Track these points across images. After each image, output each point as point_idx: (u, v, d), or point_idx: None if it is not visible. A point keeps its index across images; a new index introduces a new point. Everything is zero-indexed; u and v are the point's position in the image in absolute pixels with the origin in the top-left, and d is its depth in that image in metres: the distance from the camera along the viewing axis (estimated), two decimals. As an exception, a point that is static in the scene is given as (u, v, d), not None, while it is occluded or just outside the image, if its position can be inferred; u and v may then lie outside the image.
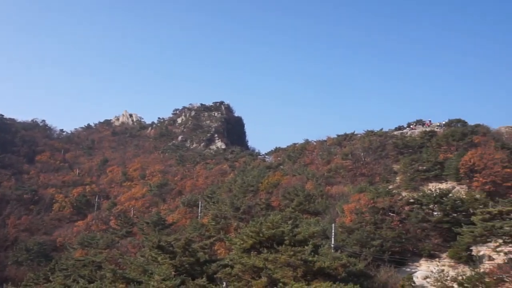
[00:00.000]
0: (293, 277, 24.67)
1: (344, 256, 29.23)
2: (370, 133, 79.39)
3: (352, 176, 62.53)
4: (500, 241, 30.99)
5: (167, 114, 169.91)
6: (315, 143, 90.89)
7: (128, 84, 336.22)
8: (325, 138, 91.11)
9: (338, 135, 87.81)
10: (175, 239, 32.45)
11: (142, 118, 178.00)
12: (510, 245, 30.65)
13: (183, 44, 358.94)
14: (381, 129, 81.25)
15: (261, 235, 27.78)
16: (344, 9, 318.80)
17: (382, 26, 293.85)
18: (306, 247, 26.32)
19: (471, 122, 72.28)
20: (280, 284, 22.44)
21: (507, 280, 28.52)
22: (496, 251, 31.50)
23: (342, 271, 27.39)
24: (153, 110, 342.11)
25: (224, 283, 27.10)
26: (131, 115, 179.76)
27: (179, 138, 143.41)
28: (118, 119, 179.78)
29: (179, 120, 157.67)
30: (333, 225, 37.69)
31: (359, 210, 40.64)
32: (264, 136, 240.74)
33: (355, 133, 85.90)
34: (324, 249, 31.01)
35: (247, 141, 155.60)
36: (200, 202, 66.56)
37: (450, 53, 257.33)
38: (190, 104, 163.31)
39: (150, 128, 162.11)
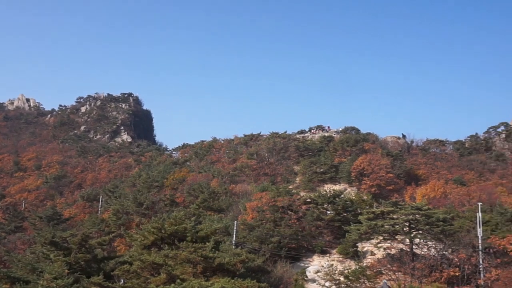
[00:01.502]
0: (193, 273, 25.10)
1: (244, 252, 30.25)
2: (275, 135, 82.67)
3: (256, 175, 64.83)
4: (381, 238, 34.60)
5: (69, 102, 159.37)
6: (222, 142, 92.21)
7: (26, 66, 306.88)
8: (232, 137, 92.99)
9: (245, 135, 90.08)
10: (71, 234, 30.88)
11: (41, 104, 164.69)
12: (388, 241, 34.44)
13: (90, 29, 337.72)
14: (285, 132, 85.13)
15: (163, 231, 27.79)
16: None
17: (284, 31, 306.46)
18: (207, 243, 26.94)
19: (364, 130, 79.36)
20: (178, 280, 22.75)
21: (384, 273, 32.21)
22: (377, 247, 35.05)
23: (241, 267, 28.34)
24: (54, 97, 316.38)
25: (122, 280, 26.66)
26: (28, 100, 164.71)
27: (82, 128, 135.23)
28: (12, 103, 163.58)
29: (82, 109, 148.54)
30: (235, 222, 38.87)
31: (261, 208, 42.38)
32: (172, 132, 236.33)
33: (261, 134, 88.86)
34: (225, 245, 31.87)
35: (155, 136, 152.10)
36: (101, 197, 63.89)
37: (348, 66, 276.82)
38: (96, 93, 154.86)
39: (49, 116, 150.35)
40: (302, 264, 38.40)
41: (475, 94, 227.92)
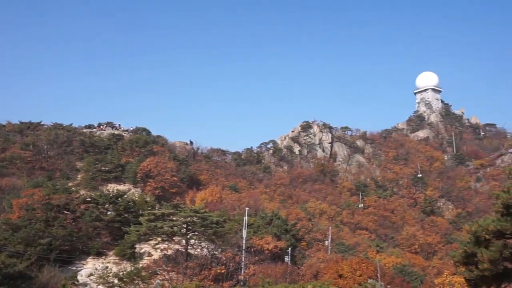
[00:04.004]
0: None
1: (3, 257, 26.91)
2: (58, 126, 75.50)
3: (30, 169, 58.07)
4: (159, 239, 35.82)
5: None
6: (-10, 127, 78.46)
7: None
8: (4, 123, 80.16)
9: (21, 122, 78.93)
10: None
11: None
12: (166, 242, 35.90)
13: None
14: (71, 124, 78.74)
15: None
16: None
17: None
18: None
19: (155, 132, 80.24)
20: None
21: (159, 273, 33.38)
22: (155, 248, 36.14)
23: (-5, 274, 25.06)
24: None
25: None
26: None
27: None
28: None
29: None
30: (-5, 221, 33.95)
31: (31, 206, 38.39)
32: None
33: (42, 123, 79.64)
34: (-22, 249, 27.56)
35: None
36: None
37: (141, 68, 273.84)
38: None
39: None
40: (74, 268, 36.51)
41: (253, 112, 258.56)
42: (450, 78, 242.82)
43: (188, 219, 34.82)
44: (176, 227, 34.82)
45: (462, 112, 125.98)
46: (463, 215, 76.51)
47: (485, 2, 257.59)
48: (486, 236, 13.37)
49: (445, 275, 36.08)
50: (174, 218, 35.41)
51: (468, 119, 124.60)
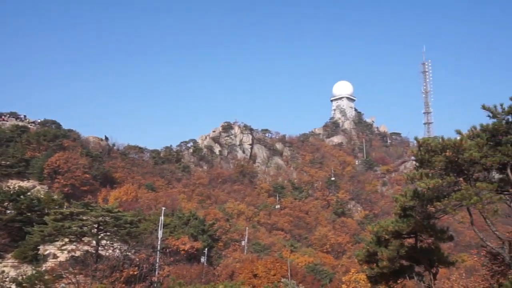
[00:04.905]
0: None
1: None
2: (-51, 115, 67.87)
3: None
4: (67, 240, 33.69)
5: None
6: None
7: None
8: None
9: None
10: None
11: None
12: (74, 243, 33.84)
13: None
14: (-37, 114, 71.20)
15: None
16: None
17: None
18: None
19: (66, 126, 75.25)
20: None
21: (65, 276, 31.32)
22: (61, 250, 33.92)
23: None
24: None
25: None
26: None
27: None
28: None
29: None
30: None
31: None
32: None
33: None
34: None
35: None
36: None
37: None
38: None
39: None
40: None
41: (173, 111, 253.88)
42: (364, 88, 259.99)
43: (100, 218, 33.28)
44: (86, 227, 33.08)
45: (373, 121, 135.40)
46: (370, 217, 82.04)
47: (389, 16, 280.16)
48: (386, 236, 14.46)
49: (351, 273, 38.27)
50: (84, 218, 33.61)
51: (377, 128, 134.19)
